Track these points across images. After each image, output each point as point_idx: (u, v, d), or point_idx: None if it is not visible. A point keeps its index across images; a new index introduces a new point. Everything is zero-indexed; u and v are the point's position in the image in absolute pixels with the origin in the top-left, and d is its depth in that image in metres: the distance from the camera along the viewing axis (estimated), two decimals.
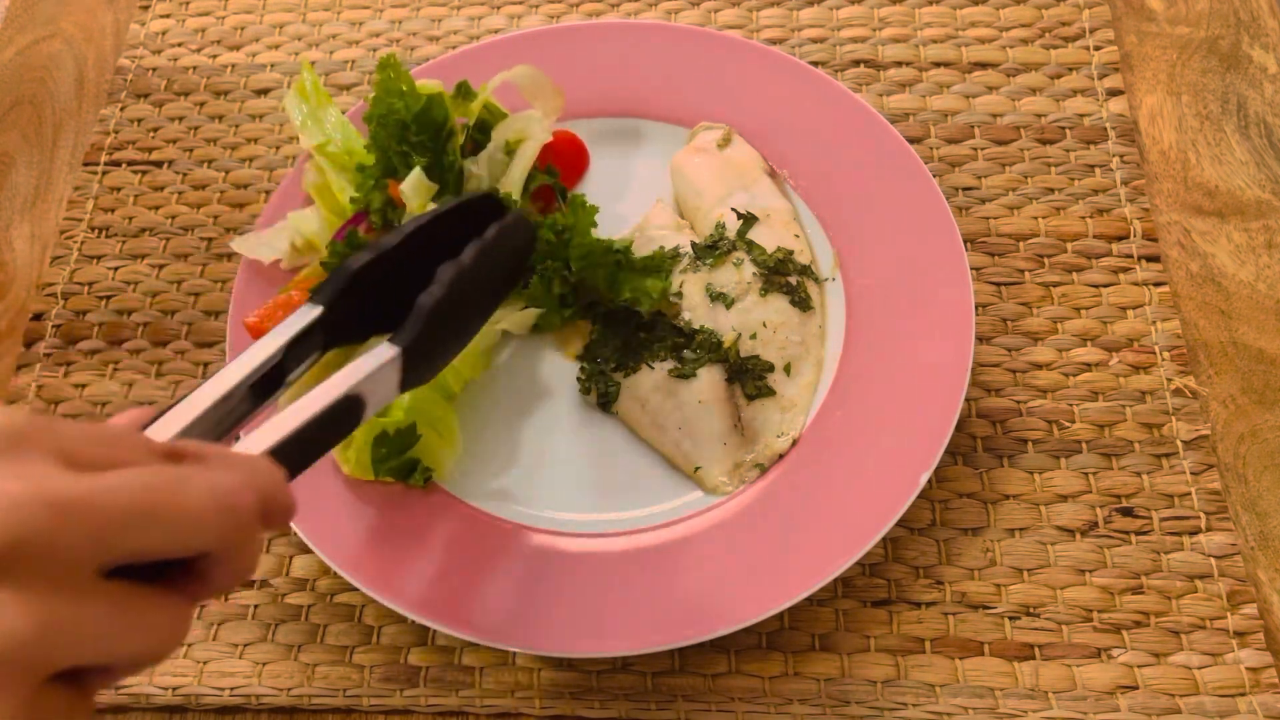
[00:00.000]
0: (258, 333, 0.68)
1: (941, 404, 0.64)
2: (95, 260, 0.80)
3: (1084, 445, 0.67)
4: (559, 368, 0.71)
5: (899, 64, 0.84)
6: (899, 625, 0.63)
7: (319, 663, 0.63)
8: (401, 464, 0.64)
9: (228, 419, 0.45)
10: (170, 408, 0.43)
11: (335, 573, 0.64)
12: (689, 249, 0.72)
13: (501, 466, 0.68)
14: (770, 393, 0.68)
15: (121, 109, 0.87)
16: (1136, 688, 0.60)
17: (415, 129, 0.68)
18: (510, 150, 0.72)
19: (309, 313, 0.50)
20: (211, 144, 0.85)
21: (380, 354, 0.49)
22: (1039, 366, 0.70)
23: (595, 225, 0.72)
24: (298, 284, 0.71)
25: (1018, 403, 0.69)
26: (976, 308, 0.71)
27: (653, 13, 0.89)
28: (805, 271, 0.71)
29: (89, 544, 0.30)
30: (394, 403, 0.64)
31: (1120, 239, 0.75)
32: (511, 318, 0.70)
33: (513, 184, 0.71)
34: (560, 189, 0.74)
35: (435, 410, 0.65)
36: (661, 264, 0.71)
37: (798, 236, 0.73)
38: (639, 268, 0.71)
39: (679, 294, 0.71)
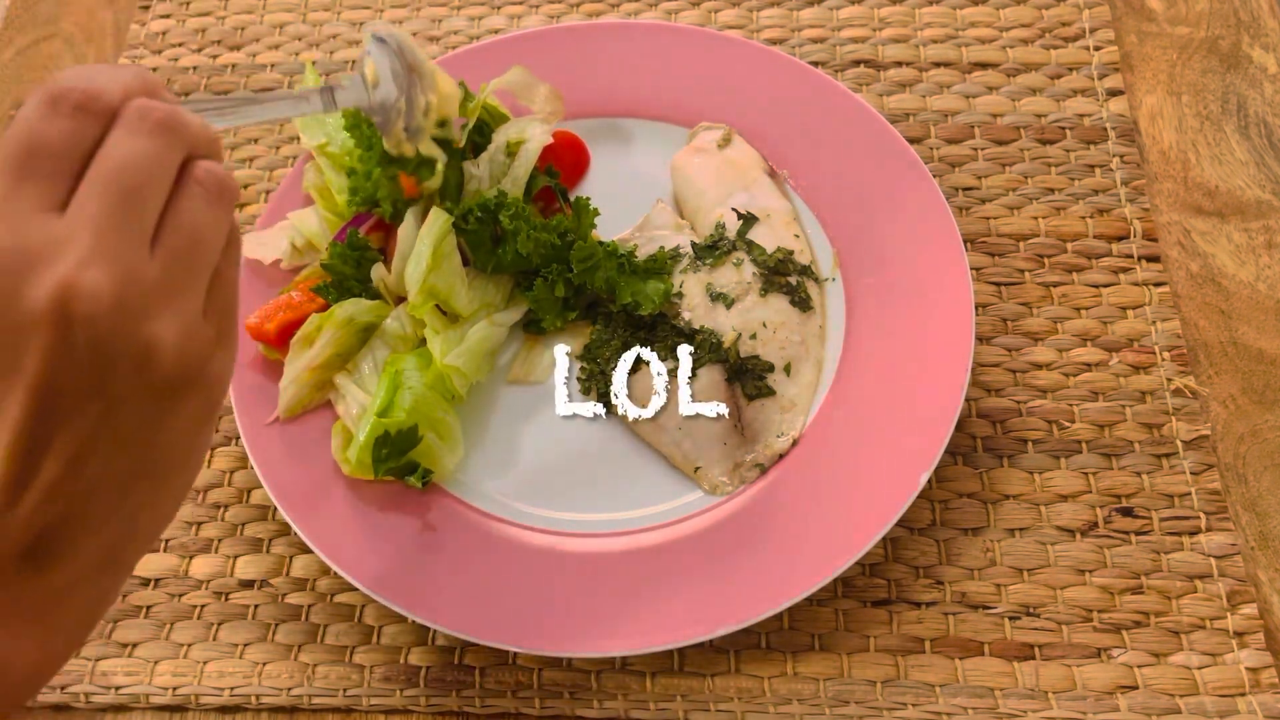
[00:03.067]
0: (258, 334, 0.68)
1: (941, 404, 0.64)
2: None
3: (1084, 445, 0.67)
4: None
5: (899, 64, 0.84)
6: (899, 625, 0.63)
7: (319, 662, 0.63)
8: (401, 465, 0.64)
9: None
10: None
11: (335, 572, 0.64)
12: (689, 249, 0.72)
13: (501, 466, 0.68)
14: (770, 393, 0.68)
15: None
16: (1136, 688, 0.60)
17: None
18: (511, 152, 0.72)
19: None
20: None
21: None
22: (1039, 366, 0.70)
23: (595, 227, 0.72)
24: (298, 284, 0.71)
25: (1018, 403, 0.69)
26: (976, 308, 0.71)
27: (653, 13, 0.89)
28: (805, 271, 0.71)
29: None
30: (396, 404, 0.63)
31: (1120, 239, 0.75)
32: (514, 320, 0.70)
33: (514, 185, 0.71)
34: (561, 190, 0.74)
35: (437, 413, 0.65)
36: (664, 266, 0.71)
37: (798, 236, 0.73)
38: (641, 270, 0.70)
39: (679, 294, 0.71)
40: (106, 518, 0.38)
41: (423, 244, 0.65)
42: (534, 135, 0.72)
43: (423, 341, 0.67)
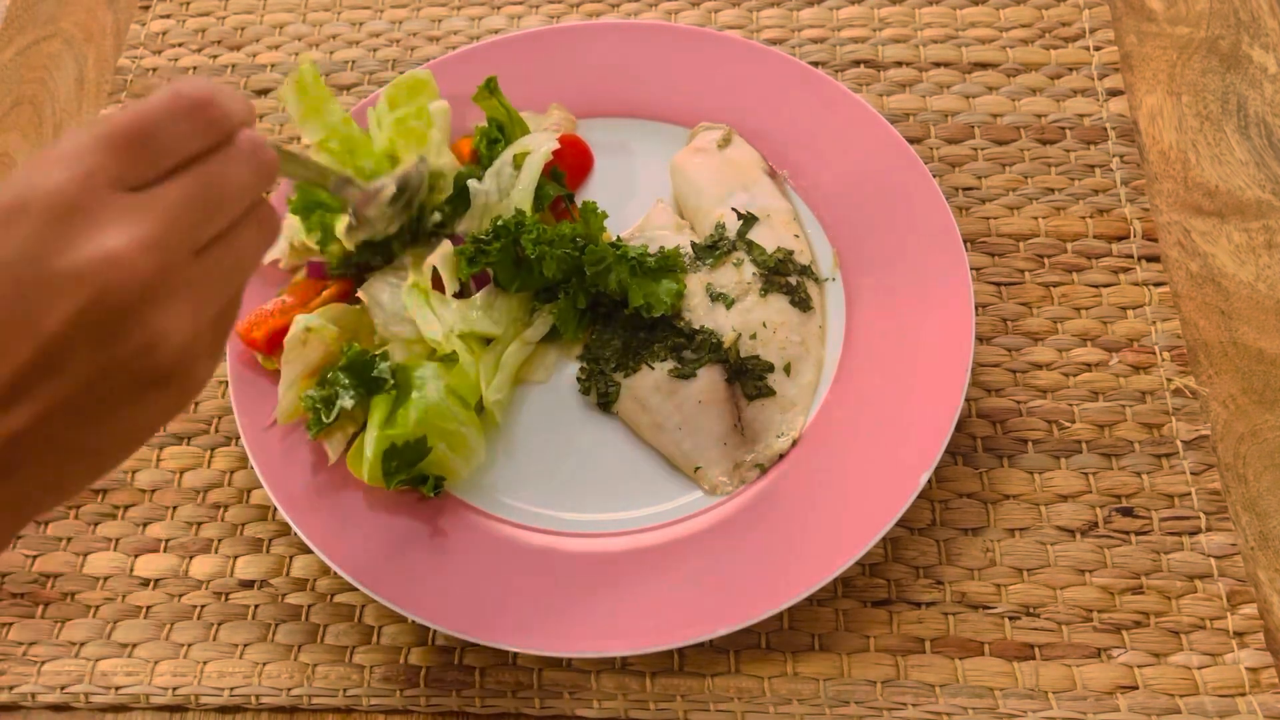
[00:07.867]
0: (247, 339, 0.68)
1: (941, 404, 0.64)
2: None
3: (1084, 445, 0.67)
4: (559, 368, 0.71)
5: (899, 64, 0.84)
6: (899, 625, 0.63)
7: (319, 663, 0.63)
8: (414, 476, 0.64)
9: None
10: None
11: (335, 573, 0.64)
12: (689, 249, 0.72)
13: (502, 466, 0.68)
14: (770, 393, 0.68)
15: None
16: (1136, 688, 0.60)
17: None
18: (518, 164, 0.72)
19: None
20: None
21: None
22: (1039, 366, 0.70)
23: (604, 230, 0.72)
24: (294, 287, 0.71)
25: (1018, 403, 0.69)
26: (976, 308, 0.71)
27: (653, 13, 0.89)
28: (805, 271, 0.71)
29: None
30: (403, 414, 0.63)
31: (1120, 239, 0.75)
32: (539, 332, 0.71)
33: (522, 195, 0.70)
34: (567, 195, 0.74)
35: (449, 424, 0.64)
36: (676, 265, 0.71)
37: (798, 236, 0.73)
38: (652, 270, 0.70)
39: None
40: (36, 473, 0.38)
41: (415, 310, 0.66)
42: (539, 146, 0.72)
43: (432, 352, 0.67)
